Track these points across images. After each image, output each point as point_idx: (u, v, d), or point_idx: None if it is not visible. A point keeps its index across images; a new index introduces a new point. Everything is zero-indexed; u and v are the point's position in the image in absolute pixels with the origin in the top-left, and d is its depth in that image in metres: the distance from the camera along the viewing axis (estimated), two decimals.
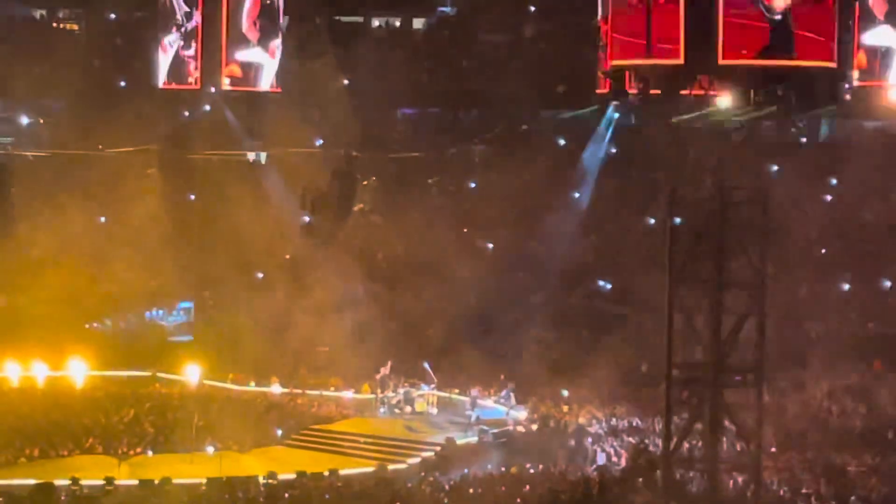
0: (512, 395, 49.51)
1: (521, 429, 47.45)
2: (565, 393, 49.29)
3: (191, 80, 46.94)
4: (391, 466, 43.58)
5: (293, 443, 47.35)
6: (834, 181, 55.64)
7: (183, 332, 56.82)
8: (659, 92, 33.75)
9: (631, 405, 47.90)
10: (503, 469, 42.80)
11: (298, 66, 52.78)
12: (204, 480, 40.94)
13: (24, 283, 53.18)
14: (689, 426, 34.41)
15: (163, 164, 56.94)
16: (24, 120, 58.59)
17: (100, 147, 55.99)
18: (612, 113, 55.62)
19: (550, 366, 50.49)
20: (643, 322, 47.30)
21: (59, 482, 40.38)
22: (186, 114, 56.96)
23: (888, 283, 52.76)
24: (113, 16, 60.10)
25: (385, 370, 50.41)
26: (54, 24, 62.69)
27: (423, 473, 42.86)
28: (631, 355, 48.63)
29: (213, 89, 47.52)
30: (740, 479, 37.78)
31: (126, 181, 55.63)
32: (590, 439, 45.87)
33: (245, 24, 45.37)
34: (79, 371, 51.10)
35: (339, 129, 54.74)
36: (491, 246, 56.23)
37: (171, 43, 46.83)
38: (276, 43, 45.97)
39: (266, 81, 46.01)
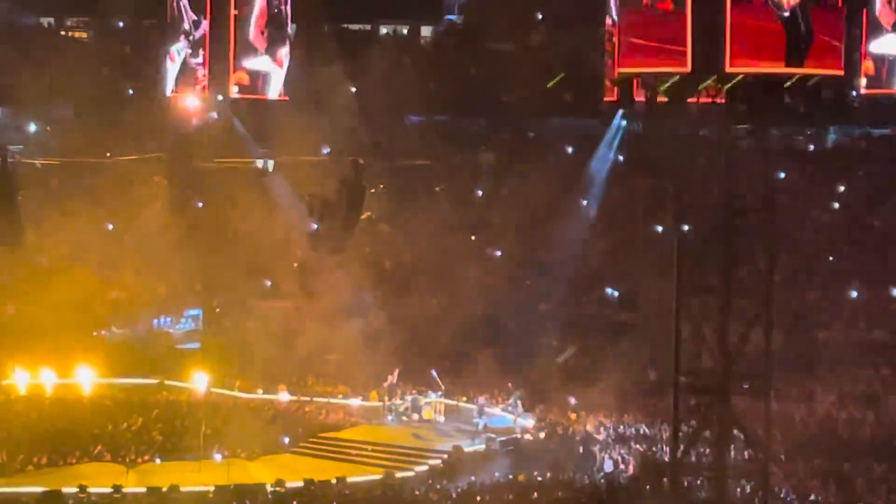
0: (519, 402, 49.49)
1: (528, 436, 47.44)
2: (573, 400, 49.30)
3: (199, 88, 46.94)
4: (399, 474, 43.57)
5: (301, 450, 47.33)
6: (841, 188, 55.67)
7: (190, 340, 56.87)
8: (666, 100, 33.71)
9: (639, 412, 47.89)
10: (511, 477, 42.80)
11: (306, 73, 52.84)
12: (212, 488, 40.99)
13: (32, 290, 53.27)
14: (696, 433, 34.39)
15: (170, 172, 57.04)
16: (33, 127, 58.77)
17: (108, 155, 56.11)
18: (620, 121, 55.71)
19: (558, 373, 50.52)
20: (651, 330, 47.28)
21: (66, 490, 40.45)
22: (194, 122, 57.08)
23: None
24: (121, 24, 60.30)
25: (392, 378, 50.45)
26: (62, 33, 62.92)
27: (430, 481, 42.86)
28: (639, 363, 48.61)
29: (220, 97, 47.55)
30: (748, 487, 37.78)
31: (134, 189, 55.76)
32: (598, 447, 45.86)
33: (253, 32, 45.38)
34: (86, 379, 51.11)
35: (347, 136, 54.81)
36: (499, 253, 56.25)
37: (178, 51, 46.85)
38: (284, 51, 45.97)
39: (274, 89, 45.99)
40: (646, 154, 53.84)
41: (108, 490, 40.78)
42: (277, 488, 41.04)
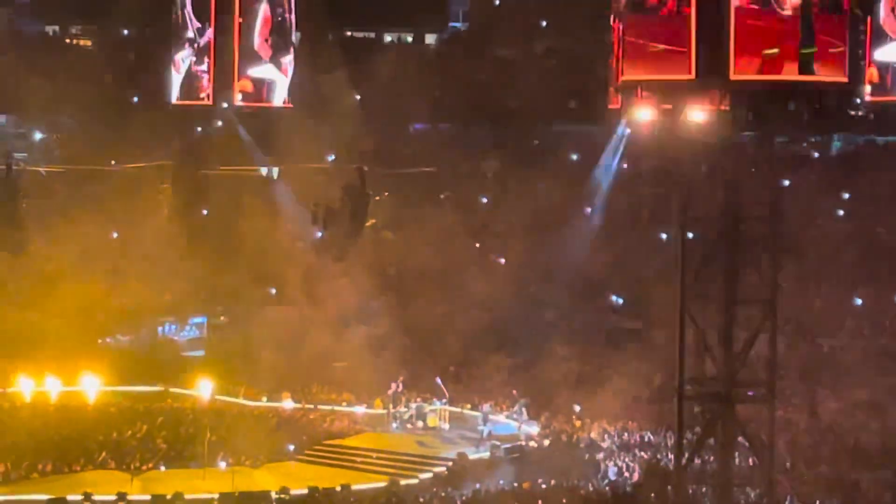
0: (524, 409, 49.48)
1: (533, 444, 47.43)
2: (577, 408, 49.28)
3: (203, 95, 46.97)
4: (403, 481, 43.55)
5: (305, 458, 47.33)
6: (846, 195, 55.65)
7: (195, 347, 56.89)
8: (670, 107, 33.72)
9: (643, 420, 47.85)
10: (515, 484, 42.78)
11: (310, 81, 52.87)
12: (216, 496, 41.02)
13: (37, 298, 53.28)
14: (701, 441, 34.37)
15: (175, 180, 57.07)
16: (38, 135, 58.84)
17: (112, 162, 56.16)
18: (624, 128, 55.66)
19: (563, 380, 50.49)
20: (655, 337, 47.29)
21: (71, 497, 40.55)
22: (199, 129, 57.17)
23: None
24: (125, 32, 60.37)
25: (397, 385, 50.46)
26: (67, 41, 63.01)
27: (434, 489, 42.85)
28: (643, 370, 48.59)
29: (225, 105, 47.60)
30: (753, 494, 37.74)
31: (139, 196, 55.80)
32: (602, 454, 45.84)
33: (257, 40, 45.40)
34: (91, 386, 51.14)
35: (351, 144, 54.84)
36: (503, 261, 56.25)
37: (183, 59, 46.88)
38: (289, 59, 45.97)
39: (278, 97, 46.00)
40: (650, 161, 53.86)
41: (113, 497, 40.86)
42: (282, 496, 41.06)
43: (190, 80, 46.90)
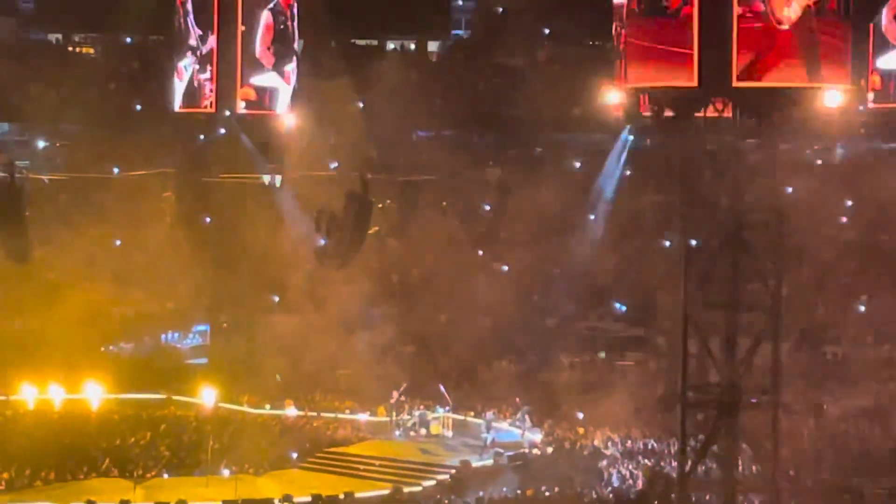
0: (527, 417, 49.44)
1: (536, 451, 47.40)
2: (581, 415, 49.24)
3: (206, 103, 46.98)
4: (406, 489, 43.55)
5: (308, 465, 47.33)
6: (850, 202, 55.62)
7: (198, 355, 56.90)
8: (673, 114, 33.72)
9: (647, 427, 47.82)
10: (519, 492, 42.75)
11: (313, 89, 52.89)
12: (219, 503, 40.97)
13: (41, 306, 53.30)
14: (705, 448, 34.32)
15: (178, 188, 57.08)
16: (41, 143, 58.86)
17: (115, 170, 56.16)
18: (627, 135, 55.71)
19: (566, 388, 50.46)
20: (659, 344, 47.31)
21: None
22: (202, 137, 57.16)
23: None
24: (128, 40, 60.40)
25: (400, 393, 50.42)
26: (70, 49, 63.03)
27: (438, 496, 42.85)
28: (647, 377, 48.57)
29: (227, 113, 47.61)
30: (757, 502, 37.69)
31: (142, 204, 55.78)
32: (605, 461, 45.80)
33: (259, 48, 45.42)
34: (94, 394, 51.14)
35: (354, 151, 54.83)
36: (506, 268, 56.24)
37: (186, 67, 46.90)
38: (291, 67, 45.99)
39: (281, 105, 46.03)
40: (653, 168, 53.86)
41: None
42: (285, 503, 41.03)
43: (193, 88, 46.87)
